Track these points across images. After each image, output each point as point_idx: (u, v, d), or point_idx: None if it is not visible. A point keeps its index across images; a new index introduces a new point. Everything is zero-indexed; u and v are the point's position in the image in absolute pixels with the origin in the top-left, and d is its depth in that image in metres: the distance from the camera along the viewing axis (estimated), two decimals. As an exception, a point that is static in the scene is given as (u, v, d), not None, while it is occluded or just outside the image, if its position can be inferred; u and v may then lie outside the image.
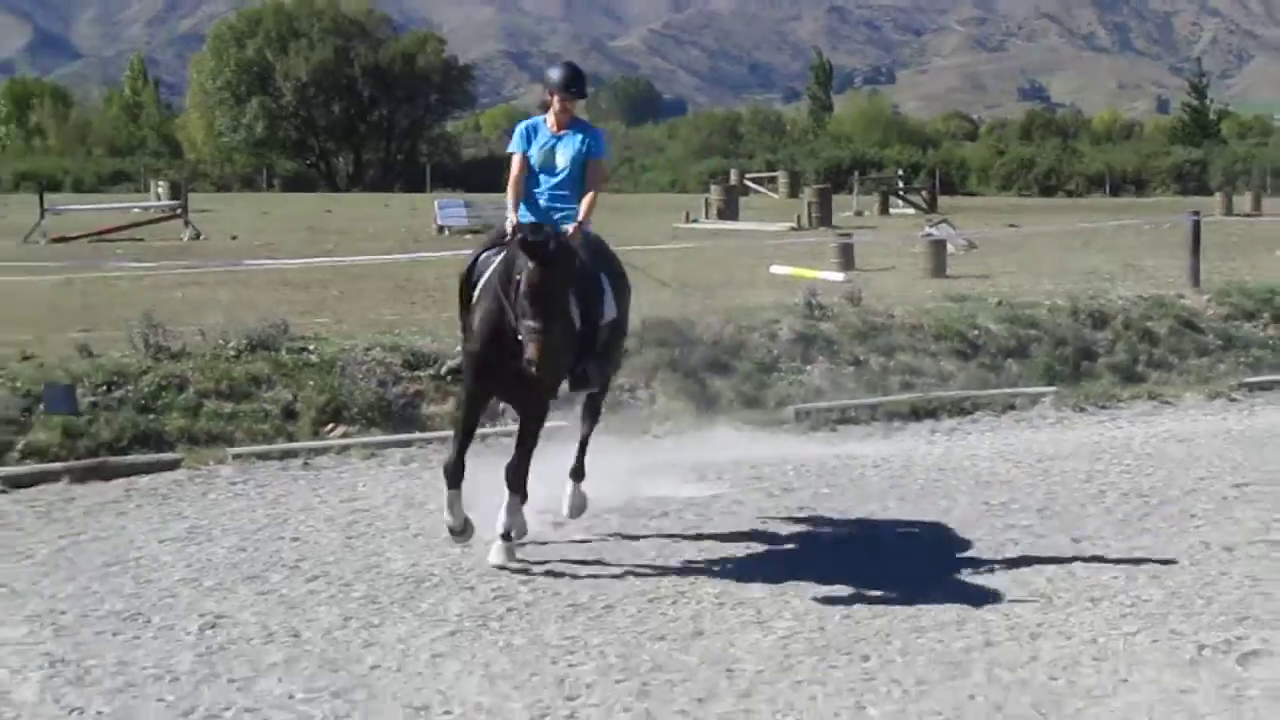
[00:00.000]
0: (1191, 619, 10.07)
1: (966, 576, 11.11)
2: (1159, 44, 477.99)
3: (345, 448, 15.35)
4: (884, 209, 60.87)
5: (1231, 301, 21.22)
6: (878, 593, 10.64)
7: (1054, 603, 10.48)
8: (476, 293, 11.09)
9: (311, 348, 17.27)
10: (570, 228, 10.77)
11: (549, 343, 10.05)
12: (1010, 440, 16.26)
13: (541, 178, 11.32)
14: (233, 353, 16.83)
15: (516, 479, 10.99)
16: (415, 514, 12.84)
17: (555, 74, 11.47)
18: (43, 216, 44.18)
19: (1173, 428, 16.96)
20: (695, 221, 49.79)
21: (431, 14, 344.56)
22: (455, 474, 10.97)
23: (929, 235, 32.80)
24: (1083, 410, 17.84)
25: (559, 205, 11.21)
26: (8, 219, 49.46)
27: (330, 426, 15.98)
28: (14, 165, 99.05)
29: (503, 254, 10.85)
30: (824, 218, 48.78)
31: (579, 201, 11.25)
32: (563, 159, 11.29)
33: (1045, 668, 9.23)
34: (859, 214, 57.14)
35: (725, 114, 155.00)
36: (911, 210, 58.85)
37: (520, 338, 10.15)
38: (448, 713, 8.38)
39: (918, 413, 17.44)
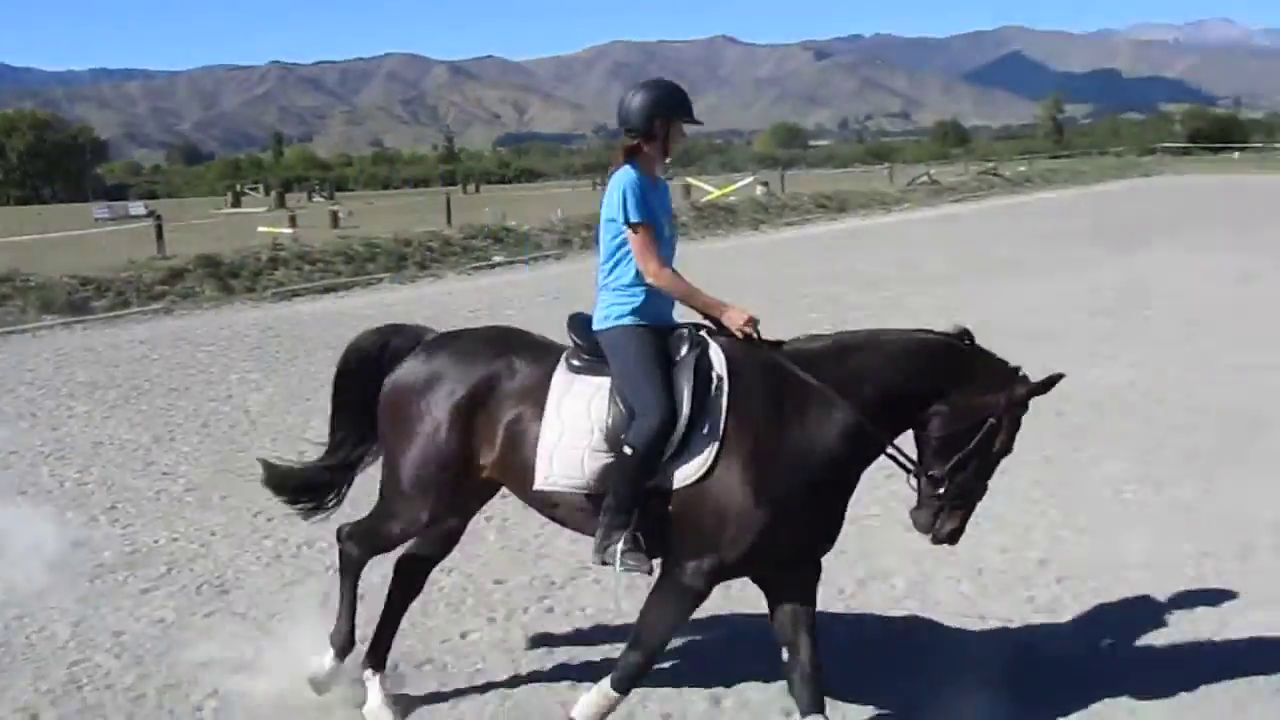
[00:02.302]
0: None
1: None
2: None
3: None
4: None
5: (467, 231, 23.45)
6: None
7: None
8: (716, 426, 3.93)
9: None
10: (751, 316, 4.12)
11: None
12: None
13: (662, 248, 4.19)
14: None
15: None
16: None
17: (658, 95, 4.09)
18: None
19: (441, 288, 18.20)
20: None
21: (87, 116, 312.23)
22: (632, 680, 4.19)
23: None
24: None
25: None
26: None
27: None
28: None
29: (730, 367, 4.00)
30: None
31: None
32: (670, 219, 4.32)
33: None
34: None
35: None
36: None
37: (941, 503, 3.89)
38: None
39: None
